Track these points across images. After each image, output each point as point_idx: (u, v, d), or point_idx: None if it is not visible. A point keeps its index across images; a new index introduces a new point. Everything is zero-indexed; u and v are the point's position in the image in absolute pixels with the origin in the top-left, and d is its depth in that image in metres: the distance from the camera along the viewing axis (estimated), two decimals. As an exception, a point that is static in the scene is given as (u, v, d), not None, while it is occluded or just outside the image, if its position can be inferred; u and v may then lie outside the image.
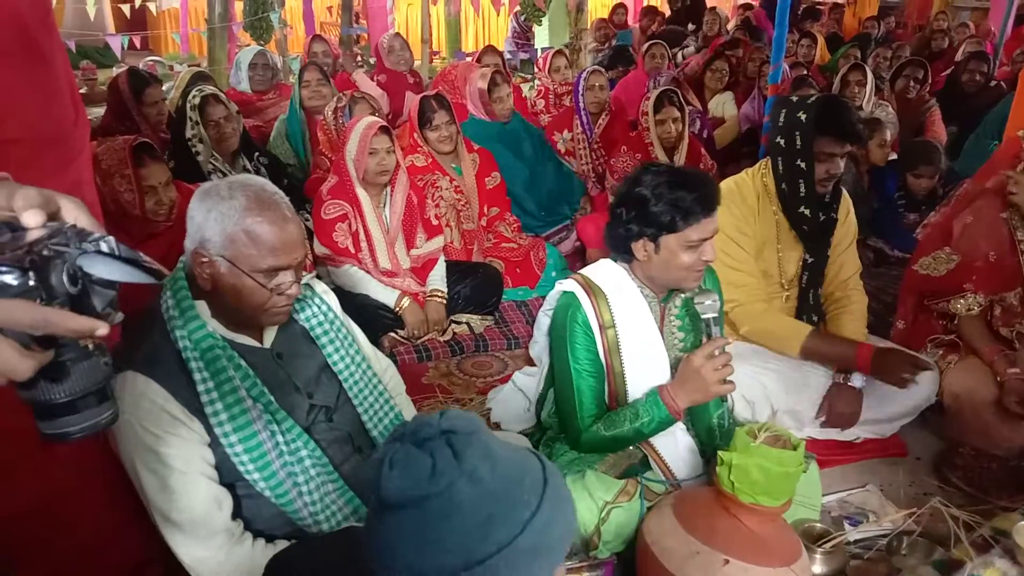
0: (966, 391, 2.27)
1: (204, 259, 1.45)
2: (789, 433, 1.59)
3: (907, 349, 2.42)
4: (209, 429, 1.45)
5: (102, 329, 0.68)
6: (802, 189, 2.35)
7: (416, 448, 0.92)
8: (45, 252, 0.64)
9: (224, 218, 1.43)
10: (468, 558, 0.88)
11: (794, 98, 2.43)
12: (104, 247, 0.66)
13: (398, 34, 5.68)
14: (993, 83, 5.39)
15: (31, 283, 0.63)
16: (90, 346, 0.70)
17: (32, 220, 0.66)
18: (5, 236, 0.65)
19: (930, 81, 5.41)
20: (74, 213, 0.70)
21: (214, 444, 1.46)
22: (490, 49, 5.16)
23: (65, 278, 0.64)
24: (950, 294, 2.42)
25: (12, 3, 1.36)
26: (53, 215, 0.69)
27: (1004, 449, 2.21)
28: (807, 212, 2.38)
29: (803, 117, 2.30)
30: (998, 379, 2.23)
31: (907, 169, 3.99)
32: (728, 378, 1.75)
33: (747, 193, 2.44)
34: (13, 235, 0.65)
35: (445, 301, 3.15)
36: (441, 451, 0.91)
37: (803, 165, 2.32)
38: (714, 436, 1.93)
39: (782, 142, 2.35)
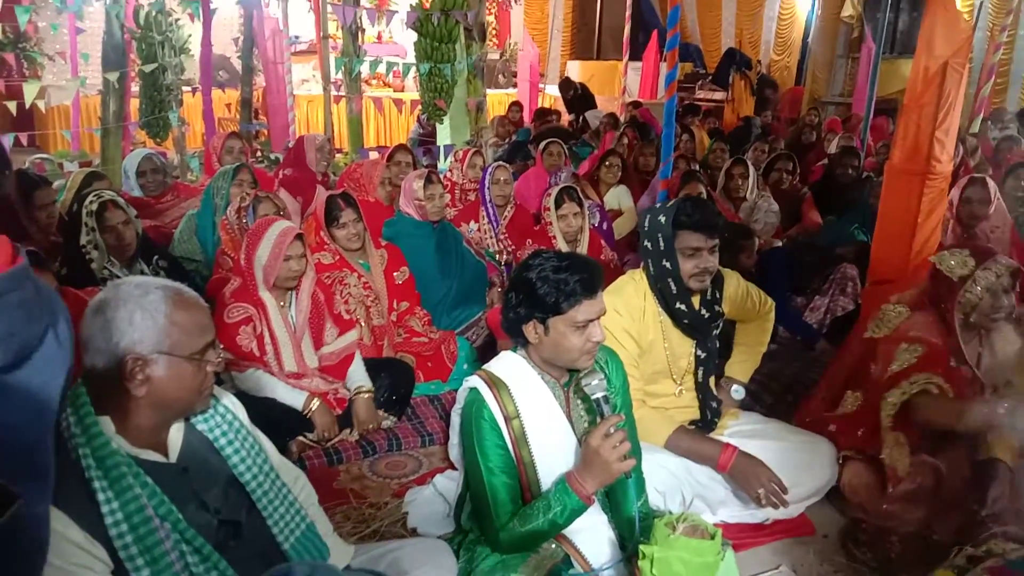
0: (863, 484, 2.42)
1: (139, 362, 1.42)
2: (706, 523, 1.63)
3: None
4: (113, 554, 1.36)
5: None
6: (673, 287, 2.45)
7: None
8: None
9: (152, 316, 1.43)
10: None
11: (657, 205, 2.59)
12: None
13: (328, 138, 5.77)
14: (864, 175, 5.87)
15: None
16: None
17: None
18: None
19: (799, 171, 5.85)
20: None
21: (119, 571, 1.37)
22: (402, 147, 5.28)
23: None
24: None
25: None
26: None
27: (902, 528, 2.31)
28: (684, 308, 2.48)
29: (663, 219, 2.44)
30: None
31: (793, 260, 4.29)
32: (628, 457, 1.77)
33: (635, 292, 2.53)
34: None
35: (372, 395, 3.09)
36: None
37: (668, 264, 2.43)
38: (634, 527, 1.95)
39: (649, 245, 2.48)
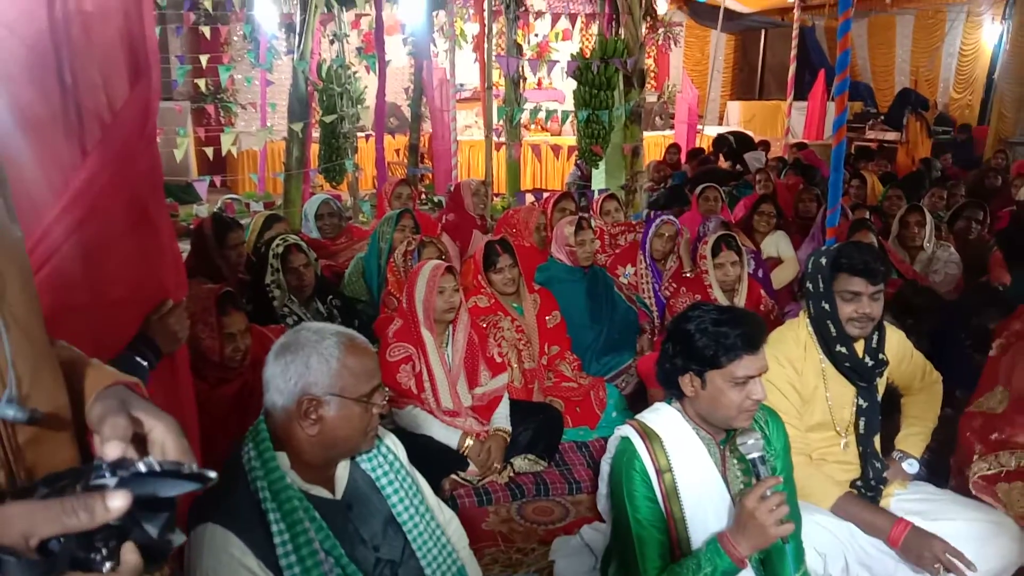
0: None
1: (313, 402, 1.53)
2: (871, 603, 1.52)
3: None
4: (282, 583, 1.47)
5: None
6: (832, 330, 2.38)
7: None
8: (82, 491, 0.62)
9: (327, 360, 1.54)
10: None
11: (824, 247, 2.51)
12: (142, 467, 0.63)
13: (483, 182, 5.99)
14: (1060, 222, 5.33)
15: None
16: None
17: (111, 453, 0.64)
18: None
19: (989, 221, 5.39)
20: (162, 437, 0.67)
21: (285, 600, 1.47)
22: (567, 195, 5.32)
23: None
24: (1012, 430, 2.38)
25: (133, 180, 1.51)
26: (141, 437, 0.67)
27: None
28: (844, 350, 2.39)
29: (823, 261, 2.39)
30: None
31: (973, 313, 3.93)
32: (785, 522, 1.69)
33: (795, 343, 2.46)
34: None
35: (508, 440, 3.16)
36: None
37: (827, 307, 2.37)
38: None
39: (811, 287, 2.44)
